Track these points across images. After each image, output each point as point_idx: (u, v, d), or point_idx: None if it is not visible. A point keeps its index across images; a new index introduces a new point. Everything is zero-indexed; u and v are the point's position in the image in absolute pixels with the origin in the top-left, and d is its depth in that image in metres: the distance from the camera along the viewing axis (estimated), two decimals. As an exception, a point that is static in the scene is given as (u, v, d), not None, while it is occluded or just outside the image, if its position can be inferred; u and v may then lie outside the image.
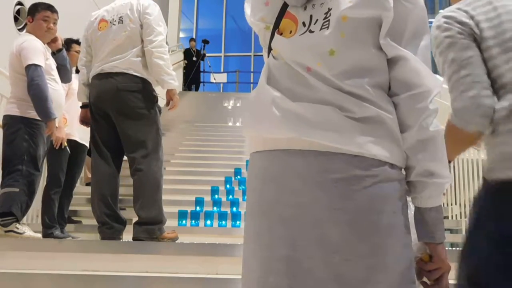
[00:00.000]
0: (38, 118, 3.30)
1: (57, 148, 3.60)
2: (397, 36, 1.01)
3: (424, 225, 1.06)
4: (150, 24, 3.05)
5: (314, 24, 1.05)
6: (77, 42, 4.04)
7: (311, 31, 1.05)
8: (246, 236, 1.08)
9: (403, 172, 1.04)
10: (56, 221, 3.75)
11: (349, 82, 1.01)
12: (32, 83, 3.21)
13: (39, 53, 3.30)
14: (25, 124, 3.27)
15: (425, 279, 1.08)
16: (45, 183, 3.81)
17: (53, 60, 3.52)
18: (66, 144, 3.71)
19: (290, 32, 1.07)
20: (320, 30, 1.04)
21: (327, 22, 1.04)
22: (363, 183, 0.96)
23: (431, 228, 1.06)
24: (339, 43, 1.02)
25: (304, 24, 1.07)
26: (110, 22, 3.11)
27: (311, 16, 1.07)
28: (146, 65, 3.07)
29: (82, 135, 3.90)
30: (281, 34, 1.08)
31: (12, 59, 3.35)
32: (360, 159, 0.97)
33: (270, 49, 1.12)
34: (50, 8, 3.50)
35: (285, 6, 1.11)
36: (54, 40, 3.53)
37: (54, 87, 3.39)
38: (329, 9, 1.04)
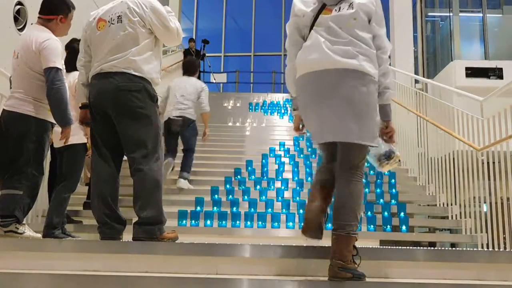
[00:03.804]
0: (49, 120, 3.27)
1: (65, 144, 3.50)
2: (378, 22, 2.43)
3: (383, 112, 2.43)
4: (164, 24, 3.06)
5: (342, 10, 2.38)
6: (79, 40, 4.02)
7: (341, 11, 2.38)
8: (303, 114, 2.51)
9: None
10: (61, 222, 3.76)
11: (362, 34, 2.35)
12: (53, 87, 3.15)
13: (60, 55, 3.25)
14: (36, 125, 3.22)
15: (384, 136, 2.49)
16: (58, 183, 3.80)
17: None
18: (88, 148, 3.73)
19: (328, 14, 2.41)
20: (347, 9, 2.37)
21: (352, 6, 2.37)
22: (362, 83, 2.30)
23: (387, 113, 2.45)
24: (358, 15, 2.35)
25: (336, 10, 2.39)
26: (109, 22, 3.09)
27: (340, 7, 2.40)
28: (146, 64, 3.05)
29: None
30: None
31: (28, 55, 3.23)
32: (363, 73, 2.30)
33: (312, 27, 2.43)
34: (74, 7, 3.48)
35: (324, 5, 2.44)
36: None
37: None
38: (351, 3, 2.39)
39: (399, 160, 2.58)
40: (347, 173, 2.31)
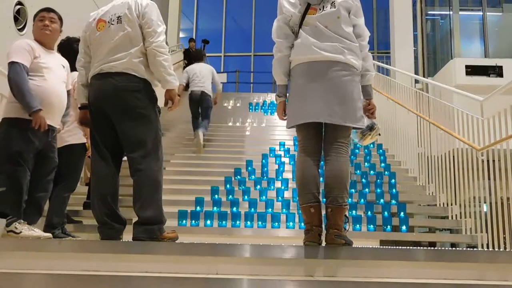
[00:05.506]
0: (21, 117, 3.29)
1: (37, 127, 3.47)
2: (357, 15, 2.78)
3: (366, 91, 2.82)
4: (151, 25, 3.05)
5: (325, 8, 2.72)
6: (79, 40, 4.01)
7: (325, 10, 2.72)
8: (294, 97, 2.77)
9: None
10: (61, 222, 3.76)
11: (346, 29, 2.71)
12: (9, 80, 3.28)
13: (21, 51, 3.33)
14: (4, 123, 3.32)
15: (367, 113, 2.86)
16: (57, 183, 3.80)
17: (53, 59, 3.50)
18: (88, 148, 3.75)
19: (313, 14, 2.75)
20: (330, 8, 2.72)
21: (334, 5, 2.72)
22: (347, 74, 2.68)
23: (368, 92, 2.85)
24: (340, 13, 2.70)
25: (320, 9, 2.73)
26: (108, 22, 3.10)
27: (323, 6, 2.74)
28: (145, 66, 3.06)
29: None
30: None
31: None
32: (348, 65, 2.68)
33: (300, 25, 2.76)
34: (46, 8, 3.60)
35: (309, 5, 2.76)
36: None
37: (39, 83, 3.36)
38: (333, 2, 2.73)
39: (379, 134, 3.04)
40: (334, 149, 2.66)
